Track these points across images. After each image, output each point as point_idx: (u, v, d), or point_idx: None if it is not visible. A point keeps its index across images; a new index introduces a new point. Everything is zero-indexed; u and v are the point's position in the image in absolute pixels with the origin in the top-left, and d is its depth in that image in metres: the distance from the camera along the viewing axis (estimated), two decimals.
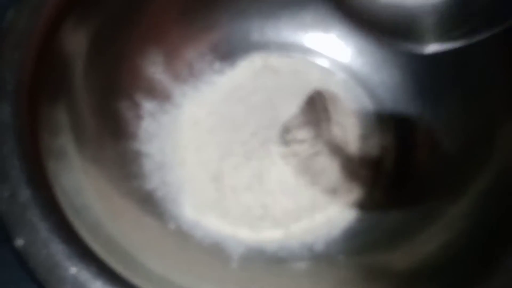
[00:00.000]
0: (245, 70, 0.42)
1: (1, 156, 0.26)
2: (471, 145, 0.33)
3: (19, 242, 0.23)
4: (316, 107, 0.37)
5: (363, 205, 0.36)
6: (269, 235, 0.34)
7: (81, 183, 0.30)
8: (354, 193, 0.37)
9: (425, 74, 0.39)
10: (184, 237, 0.34)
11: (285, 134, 0.35)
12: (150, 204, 0.34)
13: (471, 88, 0.35)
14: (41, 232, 0.23)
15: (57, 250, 0.23)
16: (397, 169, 0.38)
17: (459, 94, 0.36)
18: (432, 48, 0.27)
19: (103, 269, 0.23)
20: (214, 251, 0.33)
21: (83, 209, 0.28)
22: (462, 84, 0.35)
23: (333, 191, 0.36)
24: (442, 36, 0.27)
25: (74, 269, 0.22)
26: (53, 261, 0.23)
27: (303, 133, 0.35)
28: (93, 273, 0.23)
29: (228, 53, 0.44)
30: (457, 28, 0.27)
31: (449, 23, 0.27)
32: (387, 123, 0.40)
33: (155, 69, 0.40)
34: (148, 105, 0.38)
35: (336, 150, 0.37)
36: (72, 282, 0.22)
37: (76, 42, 0.33)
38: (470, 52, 0.34)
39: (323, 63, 0.43)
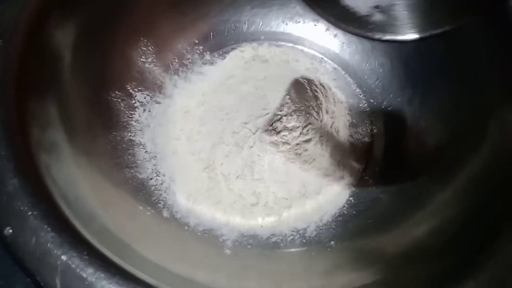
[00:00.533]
0: (235, 60, 0.41)
1: None
2: (461, 132, 0.32)
3: (7, 231, 0.22)
4: (306, 95, 0.36)
5: (354, 192, 0.36)
6: (262, 222, 0.34)
7: (73, 175, 0.29)
8: (345, 179, 0.36)
9: (414, 63, 0.38)
10: (178, 225, 0.33)
11: (276, 123, 0.35)
12: (144, 193, 0.33)
13: (461, 76, 0.34)
14: (29, 221, 0.22)
15: (47, 238, 0.22)
16: (386, 155, 0.37)
17: (449, 82, 0.35)
18: (410, 36, 0.26)
19: (95, 256, 0.22)
20: (208, 238, 0.33)
21: (76, 201, 0.27)
22: (452, 73, 0.35)
23: (324, 178, 0.36)
24: (421, 25, 0.26)
25: (65, 257, 0.22)
26: (43, 249, 0.22)
27: (293, 121, 0.34)
28: (84, 260, 0.22)
29: (219, 44, 0.43)
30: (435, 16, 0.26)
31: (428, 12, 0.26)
32: (377, 111, 0.40)
33: (145, 59, 0.39)
34: (140, 96, 0.37)
35: (327, 137, 0.36)
36: (63, 270, 0.21)
37: (64, 33, 0.32)
38: (460, 41, 0.34)
39: (313, 52, 0.42)
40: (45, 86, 0.30)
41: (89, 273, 0.21)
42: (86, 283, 0.21)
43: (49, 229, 0.22)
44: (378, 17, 0.27)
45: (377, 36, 0.27)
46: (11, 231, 0.22)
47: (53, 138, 0.29)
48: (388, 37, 0.27)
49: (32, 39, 0.29)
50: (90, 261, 0.22)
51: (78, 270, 0.21)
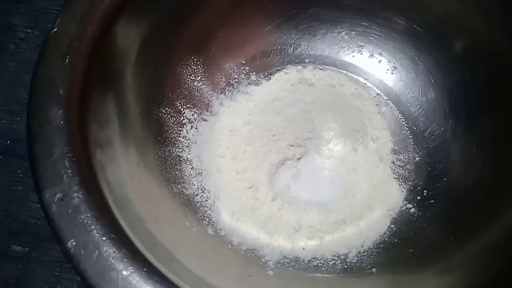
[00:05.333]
0: (281, 82, 0.41)
1: (53, 159, 0.25)
2: (507, 166, 0.32)
3: (71, 244, 0.23)
4: (353, 121, 0.36)
5: (396, 219, 0.35)
6: (304, 245, 0.34)
7: (124, 178, 0.29)
8: (386, 206, 0.36)
9: (458, 92, 0.38)
10: (222, 242, 0.33)
11: (322, 147, 0.34)
12: (190, 209, 0.34)
13: (506, 108, 0.33)
14: (93, 234, 0.23)
15: (109, 253, 0.22)
16: (429, 184, 0.36)
17: (493, 114, 0.34)
18: None
19: (153, 272, 0.22)
20: (251, 258, 0.32)
21: (126, 203, 0.27)
22: (499, 107, 0.34)
23: (366, 204, 0.35)
24: None
25: (126, 272, 0.22)
26: (104, 263, 0.22)
27: (339, 146, 0.34)
28: (143, 276, 0.22)
29: (264, 65, 0.43)
30: None
31: None
32: (419, 139, 0.39)
33: (195, 78, 0.39)
34: (188, 113, 0.38)
35: (371, 163, 0.36)
36: (124, 285, 0.22)
37: (124, 49, 0.33)
38: (507, 69, 0.34)
39: (357, 77, 0.42)
40: (106, 91, 0.31)
41: None
42: None
43: (111, 243, 0.23)
44: None
45: None
46: (74, 243, 0.23)
47: (109, 136, 0.30)
48: None
49: (96, 53, 0.30)
50: (149, 277, 0.22)
51: (137, 286, 0.22)
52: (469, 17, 0.36)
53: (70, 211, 0.23)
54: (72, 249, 0.23)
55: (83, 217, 0.23)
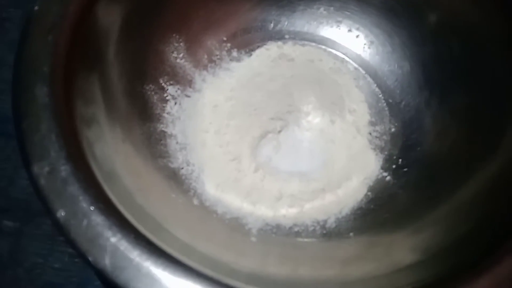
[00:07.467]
0: (262, 58, 0.42)
1: (40, 134, 0.25)
2: (478, 133, 0.33)
3: (60, 214, 0.23)
4: (331, 93, 0.37)
5: (372, 187, 0.37)
6: (285, 213, 0.35)
7: (111, 153, 0.30)
8: (364, 175, 0.37)
9: (432, 65, 0.39)
10: (207, 212, 0.34)
11: (302, 120, 0.35)
12: (176, 182, 0.34)
13: (479, 79, 0.35)
14: (81, 204, 0.24)
15: (98, 221, 0.23)
16: (404, 154, 0.38)
17: (466, 85, 0.36)
18: None
19: (141, 239, 0.23)
20: (235, 226, 0.34)
21: (114, 176, 0.28)
22: (470, 75, 0.35)
23: (344, 173, 0.37)
24: None
25: (114, 239, 0.23)
26: (94, 231, 0.23)
27: (318, 118, 0.35)
28: (132, 242, 0.23)
29: (245, 41, 0.43)
30: None
31: None
32: (395, 110, 0.40)
33: (177, 55, 0.40)
34: (171, 89, 0.38)
35: (348, 135, 0.37)
36: (112, 251, 0.22)
37: (106, 26, 0.33)
38: (477, 42, 0.35)
39: (335, 52, 0.43)
40: (90, 69, 0.31)
41: (136, 254, 0.23)
42: (133, 263, 0.22)
43: (99, 212, 0.23)
44: None
45: None
46: (63, 214, 0.23)
47: (95, 113, 0.30)
48: None
49: (80, 29, 0.30)
50: (137, 243, 0.23)
51: (126, 252, 0.23)
52: None
53: (58, 183, 0.24)
54: (61, 219, 0.23)
55: (71, 188, 0.24)
